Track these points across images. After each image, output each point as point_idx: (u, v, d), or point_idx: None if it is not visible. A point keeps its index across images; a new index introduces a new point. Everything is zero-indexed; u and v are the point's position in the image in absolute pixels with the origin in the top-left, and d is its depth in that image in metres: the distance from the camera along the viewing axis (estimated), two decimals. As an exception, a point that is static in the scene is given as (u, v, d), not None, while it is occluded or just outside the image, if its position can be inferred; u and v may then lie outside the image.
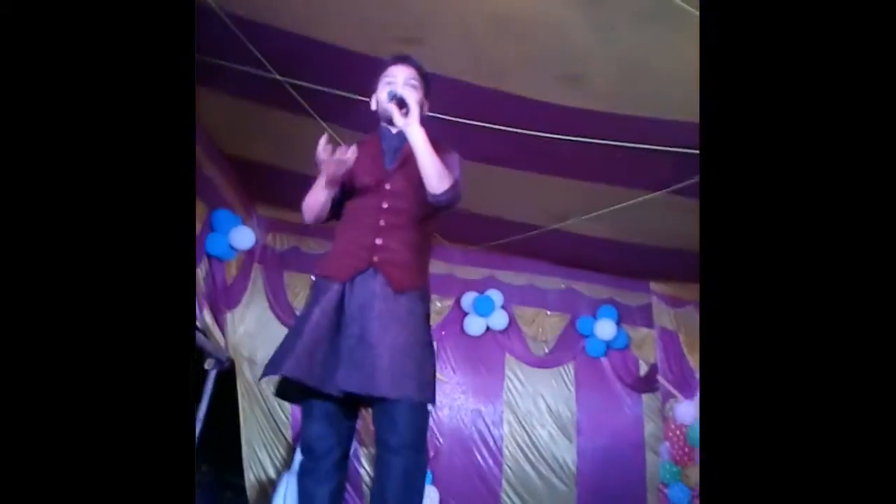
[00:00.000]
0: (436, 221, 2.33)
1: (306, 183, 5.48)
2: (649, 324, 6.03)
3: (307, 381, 2.00)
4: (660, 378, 5.86)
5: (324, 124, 4.19)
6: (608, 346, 6.03)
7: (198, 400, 5.33)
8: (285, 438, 5.67)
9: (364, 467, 5.67)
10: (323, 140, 2.15)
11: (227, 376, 5.68)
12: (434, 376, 2.14)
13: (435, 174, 2.12)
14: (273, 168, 5.02)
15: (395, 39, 3.30)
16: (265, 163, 5.00)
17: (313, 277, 2.22)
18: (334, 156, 2.14)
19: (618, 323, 6.01)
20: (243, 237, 5.20)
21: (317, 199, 2.24)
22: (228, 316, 5.56)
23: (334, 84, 3.79)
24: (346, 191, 2.28)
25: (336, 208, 2.29)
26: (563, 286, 6.18)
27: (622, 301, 6.12)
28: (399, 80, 2.26)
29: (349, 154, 2.14)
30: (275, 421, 5.68)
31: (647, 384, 5.99)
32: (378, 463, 2.08)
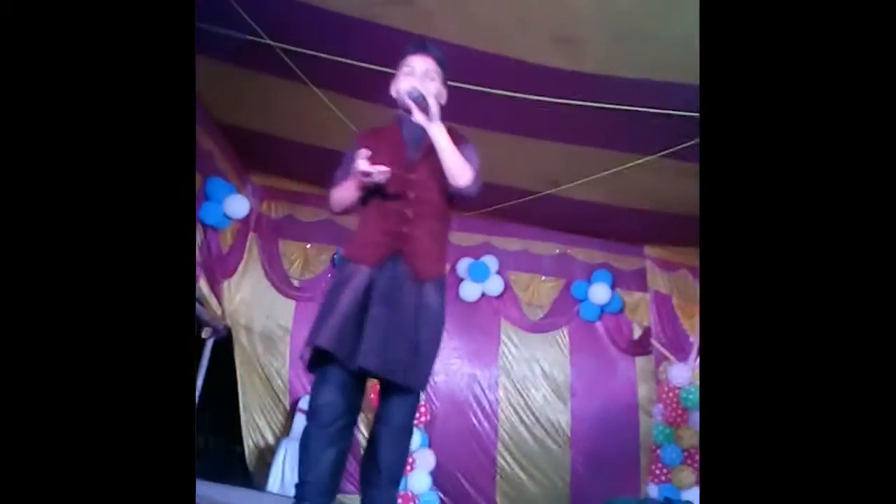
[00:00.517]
0: (452, 213, 2.42)
1: (300, 150, 5.44)
2: (643, 288, 6.06)
3: (337, 353, 2.12)
4: (653, 341, 5.91)
5: (316, 90, 4.15)
6: (602, 310, 6.07)
7: (196, 369, 5.37)
8: (283, 405, 5.72)
9: (362, 432, 5.73)
10: (364, 153, 2.21)
11: (224, 344, 5.71)
12: (431, 368, 2.29)
13: (457, 169, 2.23)
14: (266, 136, 4.98)
15: (385, 2, 3.27)
16: (258, 130, 4.97)
17: (337, 255, 2.37)
18: (371, 172, 2.20)
19: (612, 287, 6.04)
20: (238, 206, 5.19)
21: (348, 197, 2.31)
22: (224, 285, 5.57)
23: (327, 49, 3.75)
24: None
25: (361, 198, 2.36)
26: (557, 251, 6.20)
27: (616, 265, 6.15)
28: (417, 72, 2.32)
29: (383, 176, 2.22)
30: (272, 388, 5.73)
31: (640, 347, 6.05)
32: (376, 434, 2.27)
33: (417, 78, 2.30)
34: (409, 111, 2.27)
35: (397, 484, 2.32)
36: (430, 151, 2.27)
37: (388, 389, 2.24)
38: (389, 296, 2.18)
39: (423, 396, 4.60)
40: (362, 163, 2.19)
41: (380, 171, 2.20)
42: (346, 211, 2.37)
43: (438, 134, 2.23)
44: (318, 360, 2.22)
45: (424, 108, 2.23)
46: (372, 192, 2.30)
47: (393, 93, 2.37)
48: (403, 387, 2.19)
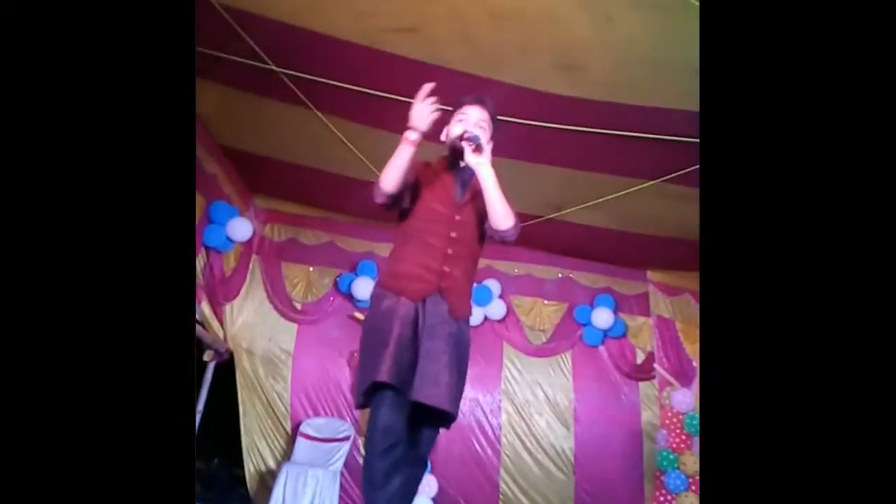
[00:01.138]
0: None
1: (303, 174, 5.47)
2: (646, 312, 6.06)
3: (398, 386, 2.15)
4: (656, 366, 5.88)
5: (320, 115, 4.18)
6: (605, 334, 6.05)
7: (197, 392, 5.35)
8: (284, 429, 5.69)
9: (362, 452, 5.69)
10: (425, 91, 2.24)
11: (226, 368, 5.69)
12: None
13: (503, 212, 2.32)
14: (269, 159, 5.01)
15: (390, 29, 3.30)
16: (261, 154, 5.00)
17: (373, 291, 2.43)
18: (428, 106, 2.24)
19: (615, 311, 6.03)
20: (241, 229, 5.20)
21: (399, 160, 2.26)
22: (227, 308, 5.57)
23: (330, 74, 3.79)
24: (415, 207, 2.39)
25: (401, 204, 2.38)
26: (560, 275, 6.20)
27: (619, 290, 6.14)
28: (472, 120, 2.40)
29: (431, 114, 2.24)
30: (274, 412, 5.70)
31: (643, 372, 6.01)
32: (396, 461, 2.22)
33: (470, 125, 2.38)
34: (460, 154, 2.34)
35: None
36: (475, 197, 2.37)
37: (423, 420, 2.25)
38: (436, 330, 2.24)
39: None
40: (424, 100, 2.22)
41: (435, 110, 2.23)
42: (396, 186, 2.28)
43: (488, 175, 2.30)
44: (372, 392, 2.22)
45: (478, 148, 2.30)
46: (415, 215, 2.37)
47: (443, 137, 2.45)
48: (444, 418, 2.22)
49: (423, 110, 2.24)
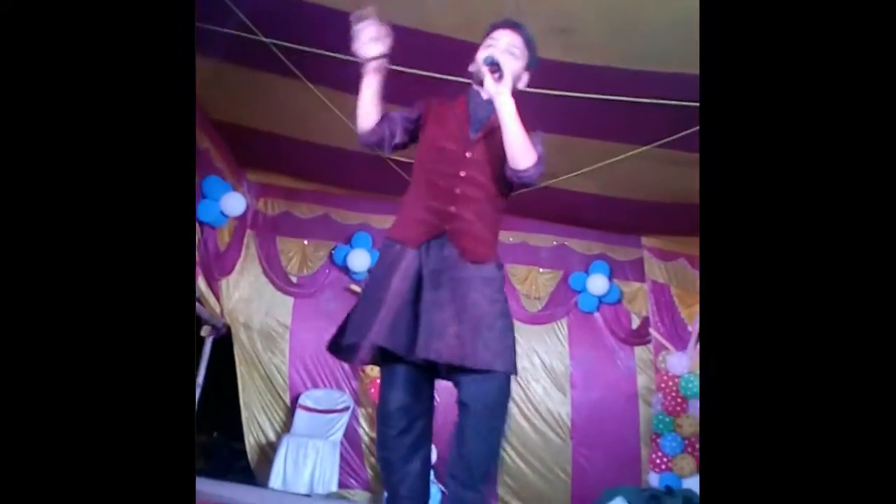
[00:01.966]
0: (508, 200, 2.24)
1: (295, 147, 5.44)
2: (641, 278, 6.09)
3: (395, 349, 1.95)
4: (652, 331, 5.93)
5: (311, 86, 4.15)
6: (600, 300, 6.09)
7: (196, 367, 5.38)
8: (283, 401, 5.74)
9: (363, 427, 5.75)
10: (368, 11, 2.02)
11: (224, 342, 5.72)
12: (513, 345, 2.04)
13: (520, 148, 2.02)
14: (262, 133, 4.98)
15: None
16: (254, 128, 4.96)
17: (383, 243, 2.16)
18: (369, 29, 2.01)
19: (610, 278, 6.06)
20: (234, 203, 5.19)
21: (363, 95, 2.09)
22: (223, 283, 5.57)
23: (321, 44, 3.75)
24: (422, 148, 2.19)
25: (394, 143, 2.18)
26: (554, 243, 6.21)
27: (614, 256, 6.16)
28: (501, 45, 2.12)
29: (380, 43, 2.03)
30: (273, 385, 5.75)
31: (639, 337, 6.07)
32: (458, 425, 2.01)
33: (499, 51, 2.10)
34: (480, 83, 2.09)
35: (488, 479, 2.02)
36: (492, 133, 2.10)
37: (462, 376, 1.99)
38: (440, 277, 2.01)
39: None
40: (362, 24, 2.00)
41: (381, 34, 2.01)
42: (368, 120, 2.11)
43: (505, 104, 2.01)
44: (380, 358, 2.04)
45: (497, 77, 2.03)
46: (425, 158, 2.15)
47: (471, 67, 2.16)
48: (469, 368, 1.94)
49: (365, 33, 2.00)
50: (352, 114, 4.59)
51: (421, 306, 1.98)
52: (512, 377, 2.01)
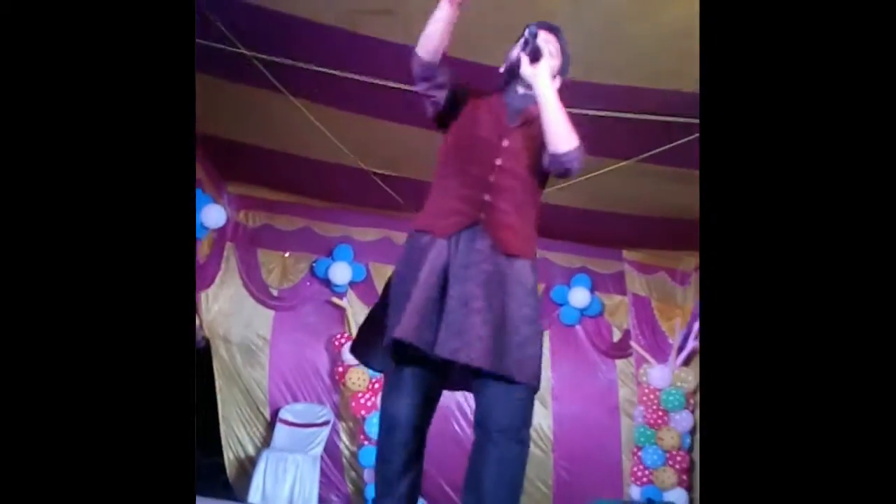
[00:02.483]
0: (541, 197, 2.15)
1: (276, 159, 5.41)
2: (622, 291, 6.11)
3: (420, 345, 1.82)
4: (633, 344, 5.96)
5: (293, 99, 4.14)
6: (582, 313, 6.10)
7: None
8: (263, 416, 5.68)
9: (343, 441, 5.71)
10: None
11: (203, 356, 5.66)
12: (539, 358, 1.92)
13: (562, 131, 1.95)
14: (242, 145, 4.96)
15: (366, 11, 3.27)
16: (234, 140, 4.94)
17: (408, 234, 2.05)
18: None
19: (591, 291, 6.08)
20: (215, 215, 5.15)
21: (435, 21, 1.95)
22: (202, 295, 5.52)
23: (303, 58, 3.75)
24: (454, 134, 2.10)
25: (438, 88, 2.05)
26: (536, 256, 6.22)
27: (595, 269, 6.18)
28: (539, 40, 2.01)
29: None
30: (252, 399, 5.69)
31: (620, 350, 6.09)
32: (474, 447, 1.89)
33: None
34: (514, 75, 2.03)
35: None
36: (530, 123, 2.02)
37: (482, 387, 1.88)
38: (468, 271, 1.88)
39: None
40: None
41: None
42: (436, 51, 1.98)
43: (546, 86, 1.94)
44: (391, 358, 1.93)
45: (536, 58, 1.96)
46: (459, 143, 2.06)
47: (504, 66, 2.10)
48: (498, 376, 1.82)
49: None
50: (334, 127, 4.60)
51: (447, 302, 1.85)
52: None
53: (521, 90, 2.07)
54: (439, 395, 2.00)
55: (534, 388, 1.90)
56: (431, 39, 1.96)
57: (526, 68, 1.97)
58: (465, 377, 1.93)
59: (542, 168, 2.03)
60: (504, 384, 1.83)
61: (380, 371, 2.10)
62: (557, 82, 2.07)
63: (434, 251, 1.91)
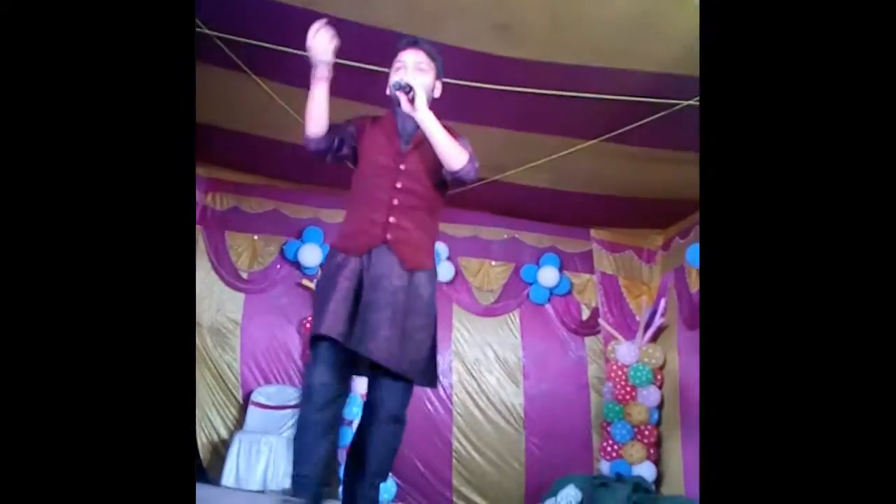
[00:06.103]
0: (442, 205, 2.43)
1: (243, 141, 5.36)
2: (590, 269, 6.19)
3: (339, 339, 2.12)
4: (601, 321, 6.05)
5: (257, 79, 4.11)
6: (551, 292, 6.17)
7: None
8: (236, 399, 5.68)
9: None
10: (318, 25, 2.20)
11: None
12: (433, 360, 2.29)
13: (450, 153, 2.22)
14: (209, 127, 4.88)
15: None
16: (200, 122, 4.85)
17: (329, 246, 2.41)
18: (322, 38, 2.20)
19: (560, 270, 6.14)
20: (181, 198, 5.10)
21: (316, 101, 2.26)
22: (171, 279, 5.48)
23: (267, 38, 3.71)
24: (359, 163, 2.36)
25: (339, 153, 2.36)
26: (506, 236, 6.27)
27: (564, 248, 6.24)
28: (409, 66, 2.32)
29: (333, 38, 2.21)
30: (224, 382, 5.68)
31: (589, 327, 6.17)
32: (363, 424, 2.26)
33: (408, 71, 2.31)
34: (399, 104, 2.27)
35: (384, 477, 2.30)
36: (421, 143, 2.29)
37: (379, 377, 2.23)
38: (379, 282, 2.19)
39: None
40: (316, 34, 2.19)
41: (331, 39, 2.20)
42: (318, 125, 2.28)
43: (427, 120, 2.22)
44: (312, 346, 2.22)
45: (410, 98, 2.22)
46: (361, 171, 2.34)
47: (387, 91, 2.35)
48: (394, 373, 2.17)
49: (319, 42, 2.19)
50: (300, 107, 4.55)
51: (360, 305, 2.16)
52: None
53: (403, 110, 2.29)
54: (350, 377, 2.34)
55: (430, 386, 2.36)
56: (316, 118, 2.26)
57: (405, 106, 2.24)
58: (366, 367, 2.23)
59: (442, 180, 2.32)
60: (399, 380, 2.20)
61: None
62: (438, 88, 2.39)
63: (350, 266, 2.23)
